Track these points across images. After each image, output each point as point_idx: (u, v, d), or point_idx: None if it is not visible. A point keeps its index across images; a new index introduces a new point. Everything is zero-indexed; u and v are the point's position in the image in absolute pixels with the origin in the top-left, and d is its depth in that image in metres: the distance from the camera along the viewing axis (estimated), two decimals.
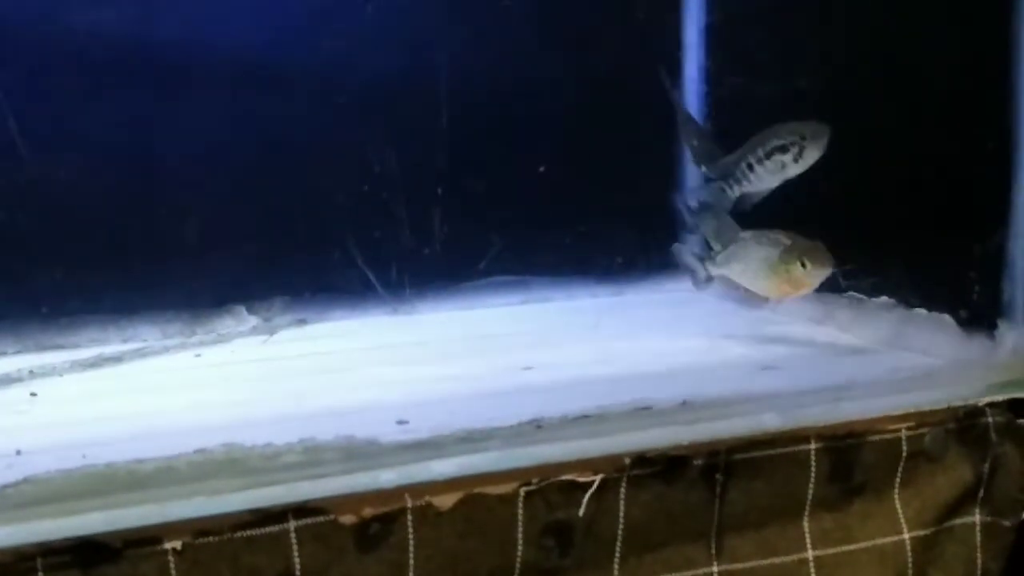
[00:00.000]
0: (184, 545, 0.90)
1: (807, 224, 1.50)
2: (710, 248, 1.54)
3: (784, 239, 1.39)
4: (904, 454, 1.18)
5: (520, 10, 1.74)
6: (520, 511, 1.02)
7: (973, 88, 1.30)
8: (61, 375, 1.41)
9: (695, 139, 1.69)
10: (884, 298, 1.48)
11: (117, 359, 1.47)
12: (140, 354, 1.50)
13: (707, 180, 1.57)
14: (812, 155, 1.44)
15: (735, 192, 1.51)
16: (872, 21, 1.48)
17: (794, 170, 1.45)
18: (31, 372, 1.39)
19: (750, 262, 1.45)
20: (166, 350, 1.53)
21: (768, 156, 1.46)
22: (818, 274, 1.35)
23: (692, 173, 1.81)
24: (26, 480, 0.91)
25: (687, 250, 1.63)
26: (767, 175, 1.47)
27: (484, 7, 1.72)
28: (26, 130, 1.50)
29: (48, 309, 1.54)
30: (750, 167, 1.48)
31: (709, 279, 1.55)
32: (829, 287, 1.57)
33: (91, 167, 1.55)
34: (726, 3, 1.82)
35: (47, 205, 1.54)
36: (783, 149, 1.44)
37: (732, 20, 1.81)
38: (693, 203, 1.62)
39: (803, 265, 1.35)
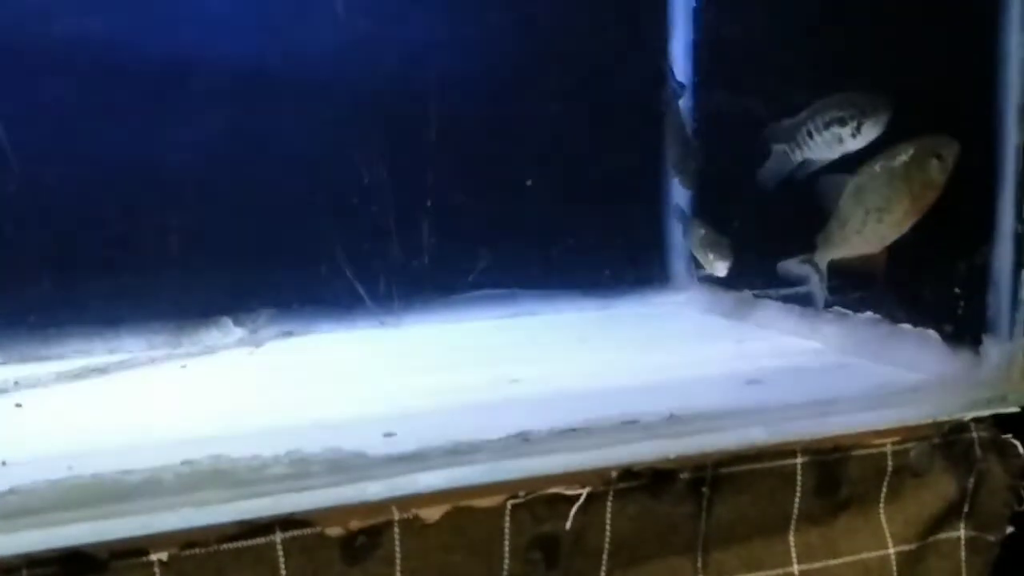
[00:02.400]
0: (170, 557, 0.90)
1: (792, 238, 1.51)
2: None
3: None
4: (889, 469, 1.18)
5: (509, 24, 1.74)
6: (507, 524, 1.02)
7: (957, 104, 1.31)
8: (46, 386, 1.40)
9: (680, 147, 1.71)
10: (869, 313, 1.48)
11: (103, 370, 1.46)
12: (126, 365, 1.49)
13: (772, 142, 1.48)
14: (871, 131, 1.34)
15: (797, 157, 1.43)
16: (859, 38, 1.49)
17: (852, 145, 1.36)
18: (16, 383, 1.38)
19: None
20: (152, 361, 1.52)
21: (827, 126, 1.38)
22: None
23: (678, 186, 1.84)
24: (11, 491, 0.90)
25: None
26: (825, 146, 1.38)
27: (473, 21, 1.73)
28: (13, 140, 1.49)
29: (34, 320, 1.54)
30: (810, 134, 1.40)
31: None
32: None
33: (77, 178, 1.55)
34: (713, 19, 1.83)
35: (33, 216, 1.53)
36: (841, 121, 1.36)
37: (719, 35, 1.82)
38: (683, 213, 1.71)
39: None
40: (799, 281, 1.47)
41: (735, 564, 1.13)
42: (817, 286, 1.42)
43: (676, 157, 1.78)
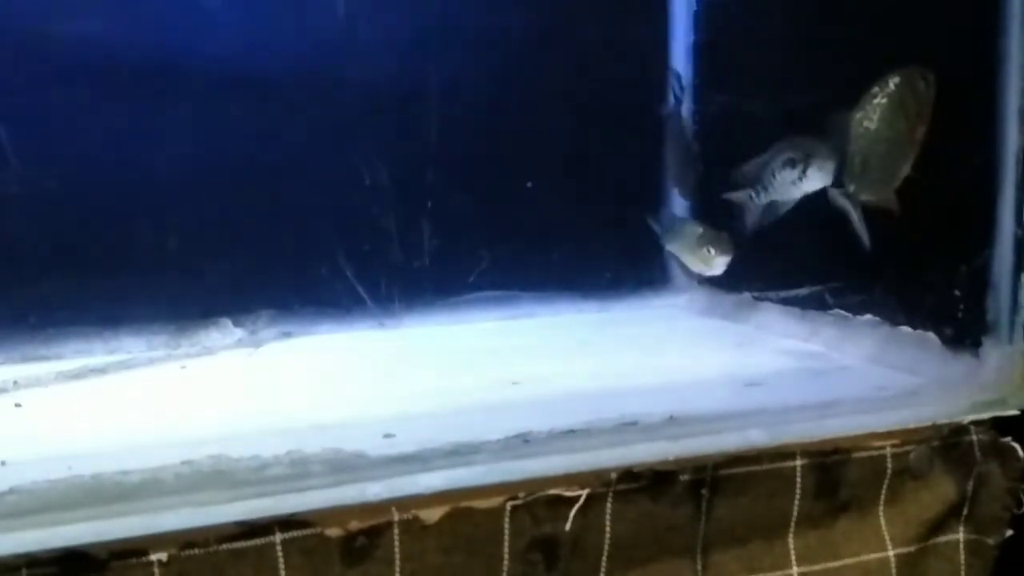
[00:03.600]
0: (170, 557, 0.90)
1: (795, 241, 1.51)
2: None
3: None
4: (889, 471, 1.18)
5: (510, 28, 1.74)
6: (506, 525, 1.02)
7: (958, 107, 1.31)
8: (46, 386, 1.40)
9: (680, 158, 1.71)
10: (869, 316, 1.48)
11: (102, 371, 1.46)
12: (125, 366, 1.49)
13: (736, 187, 1.51)
14: (817, 177, 1.38)
15: (762, 199, 1.46)
16: (859, 40, 1.49)
17: (807, 186, 1.40)
18: (16, 383, 1.38)
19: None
20: (151, 362, 1.52)
21: (782, 167, 1.42)
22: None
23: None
24: (11, 491, 0.90)
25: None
26: (784, 187, 1.42)
27: (474, 24, 1.73)
28: (13, 140, 1.49)
29: (34, 320, 1.54)
30: (772, 174, 1.43)
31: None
32: (815, 305, 1.58)
33: (76, 178, 1.55)
34: (713, 20, 1.83)
35: (32, 217, 1.53)
36: (791, 163, 1.41)
37: (719, 37, 1.82)
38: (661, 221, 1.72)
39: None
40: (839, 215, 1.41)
41: (734, 566, 1.13)
42: (857, 222, 1.38)
43: (676, 169, 1.78)
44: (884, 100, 1.31)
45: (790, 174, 1.41)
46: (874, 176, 1.34)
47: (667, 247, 1.74)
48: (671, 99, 1.81)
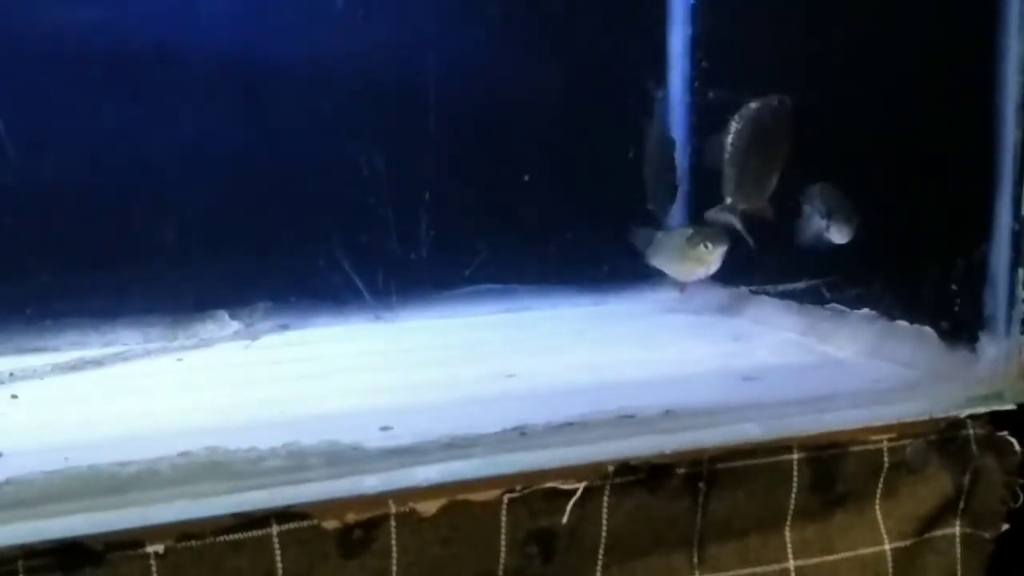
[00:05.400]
0: (166, 549, 0.90)
1: (791, 235, 1.51)
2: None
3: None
4: (885, 465, 1.18)
5: (506, 18, 1.74)
6: (503, 518, 1.02)
7: (956, 101, 1.31)
8: (42, 378, 1.40)
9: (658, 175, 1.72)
10: (866, 310, 1.48)
11: (98, 362, 1.46)
12: (121, 358, 1.49)
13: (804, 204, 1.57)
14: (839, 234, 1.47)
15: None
16: (858, 33, 1.49)
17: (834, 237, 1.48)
18: (12, 375, 1.38)
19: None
20: (147, 354, 1.52)
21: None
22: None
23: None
24: (8, 482, 0.90)
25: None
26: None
27: (471, 16, 1.73)
28: (8, 131, 1.49)
29: (30, 311, 1.54)
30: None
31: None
32: (812, 299, 1.58)
33: (72, 169, 1.55)
34: (711, 13, 1.83)
35: (28, 207, 1.53)
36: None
37: (717, 30, 1.82)
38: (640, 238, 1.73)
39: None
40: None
41: (731, 559, 1.13)
42: (742, 229, 1.56)
43: (654, 188, 1.76)
44: (746, 124, 1.50)
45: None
46: (747, 189, 1.52)
47: (653, 262, 1.72)
48: (655, 111, 1.80)
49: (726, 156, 1.51)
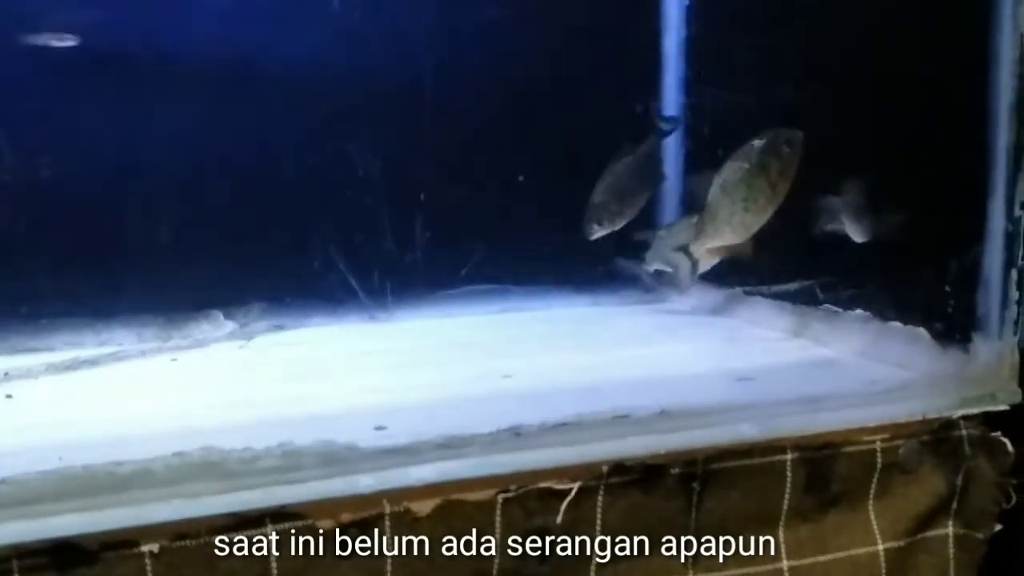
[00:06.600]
0: (161, 548, 0.90)
1: (782, 237, 1.51)
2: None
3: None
4: (879, 465, 1.18)
5: (502, 20, 1.74)
6: (498, 518, 1.02)
7: (949, 102, 1.32)
8: (37, 377, 1.40)
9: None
10: (859, 311, 1.49)
11: (93, 362, 1.46)
12: (116, 358, 1.49)
13: None
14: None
15: None
16: (851, 35, 1.49)
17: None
18: (6, 374, 1.38)
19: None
20: (142, 354, 1.52)
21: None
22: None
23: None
24: (2, 481, 0.90)
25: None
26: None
27: (467, 16, 1.73)
28: (4, 133, 1.49)
29: (24, 311, 1.53)
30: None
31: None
32: (806, 300, 1.59)
33: (67, 170, 1.54)
34: (705, 14, 1.84)
35: (23, 208, 1.53)
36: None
37: (711, 30, 1.82)
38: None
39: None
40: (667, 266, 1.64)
41: (725, 559, 1.13)
42: (685, 272, 1.55)
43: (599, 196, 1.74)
44: (745, 165, 1.43)
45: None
46: (723, 235, 1.47)
47: (656, 263, 1.72)
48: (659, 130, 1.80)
49: (709, 196, 1.47)
